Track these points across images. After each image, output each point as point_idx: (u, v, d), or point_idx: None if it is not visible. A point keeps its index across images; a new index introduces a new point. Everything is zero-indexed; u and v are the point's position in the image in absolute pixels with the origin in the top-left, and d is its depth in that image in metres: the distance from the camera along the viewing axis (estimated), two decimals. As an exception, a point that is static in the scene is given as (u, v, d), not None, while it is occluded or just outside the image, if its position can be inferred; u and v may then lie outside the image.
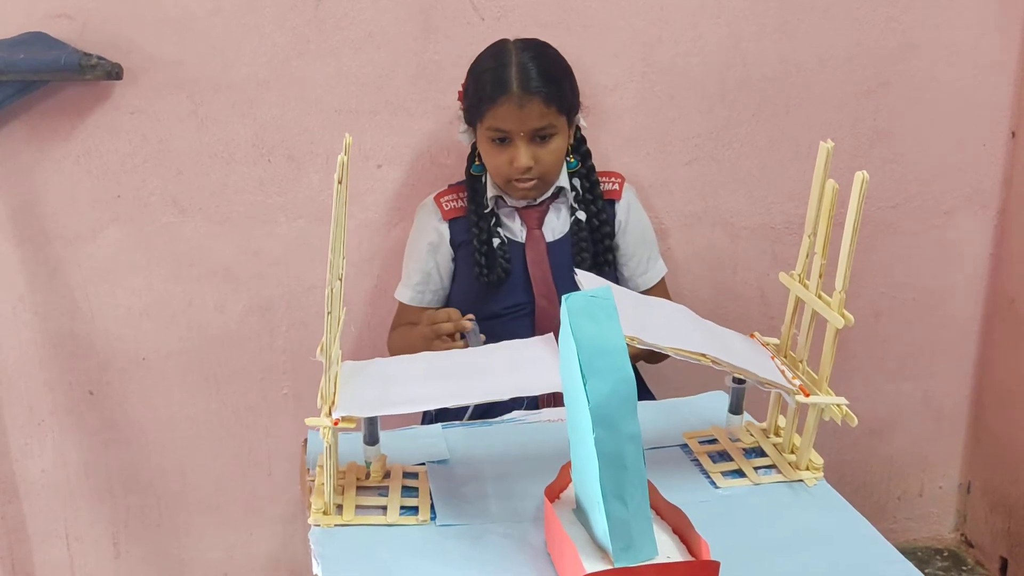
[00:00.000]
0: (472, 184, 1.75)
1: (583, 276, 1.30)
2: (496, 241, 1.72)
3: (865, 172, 1.16)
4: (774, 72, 2.00)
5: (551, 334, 1.29)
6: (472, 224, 1.73)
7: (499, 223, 1.75)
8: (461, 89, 1.73)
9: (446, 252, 1.78)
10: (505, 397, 1.18)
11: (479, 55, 1.71)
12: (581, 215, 1.73)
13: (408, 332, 1.73)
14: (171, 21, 1.80)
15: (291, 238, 1.95)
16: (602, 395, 1.00)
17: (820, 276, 1.27)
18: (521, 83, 1.61)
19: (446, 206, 1.77)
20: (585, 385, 1.00)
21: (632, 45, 1.94)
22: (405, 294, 1.82)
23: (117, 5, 1.77)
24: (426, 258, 1.78)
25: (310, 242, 1.96)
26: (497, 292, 1.73)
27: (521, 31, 1.83)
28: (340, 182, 1.08)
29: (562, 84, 1.66)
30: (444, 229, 1.77)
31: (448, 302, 1.82)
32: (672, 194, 2.04)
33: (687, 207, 2.06)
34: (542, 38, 1.73)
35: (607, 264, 1.75)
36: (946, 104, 2.08)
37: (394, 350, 1.79)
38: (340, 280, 1.14)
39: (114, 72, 1.76)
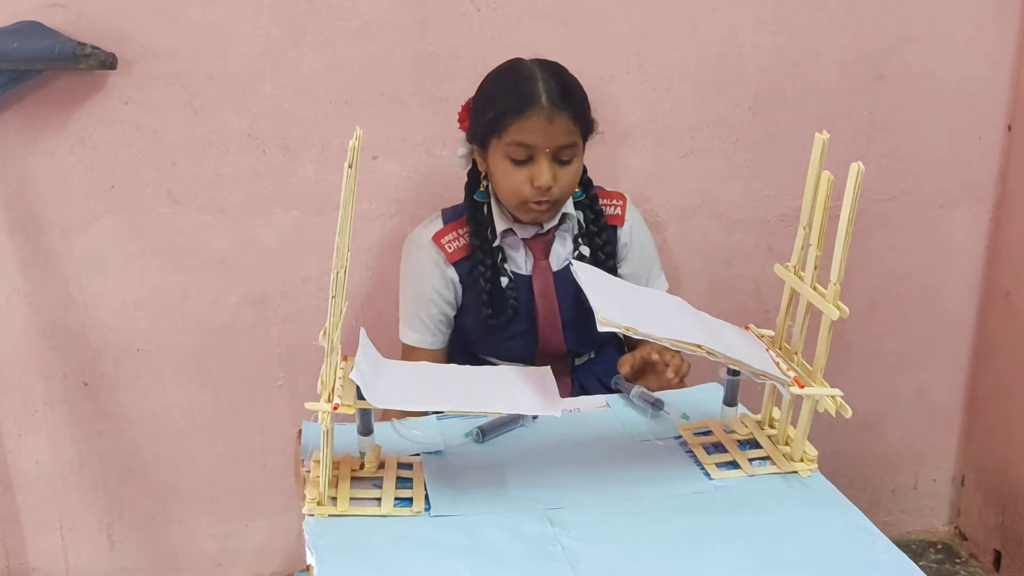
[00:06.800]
0: (474, 215, 1.65)
1: (578, 267, 1.30)
2: (504, 280, 1.63)
3: (860, 163, 1.16)
4: (770, 65, 1.99)
5: (548, 367, 1.36)
6: (478, 262, 1.63)
7: (504, 258, 1.65)
8: (462, 111, 1.65)
9: (455, 295, 1.69)
10: (501, 412, 1.30)
11: (492, 72, 1.62)
12: (585, 250, 1.66)
13: None
14: (165, 11, 1.79)
15: (286, 229, 1.95)
16: None
17: (815, 268, 1.27)
18: (550, 97, 1.53)
19: (449, 247, 1.65)
20: None
21: (628, 37, 1.93)
22: (424, 339, 1.70)
23: (111, -6, 1.77)
24: (438, 303, 1.68)
25: (305, 233, 1.95)
26: (501, 326, 1.66)
27: (517, 23, 1.83)
28: (351, 166, 1.08)
29: (585, 104, 1.60)
30: (451, 274, 1.66)
31: (454, 333, 1.75)
32: (668, 187, 2.04)
33: (683, 200, 2.06)
34: (538, 30, 1.72)
35: None
36: (942, 97, 2.08)
37: None
38: (346, 265, 1.14)
39: (108, 62, 1.75)
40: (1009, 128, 2.12)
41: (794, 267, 1.34)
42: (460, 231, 1.66)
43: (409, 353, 1.71)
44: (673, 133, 2.00)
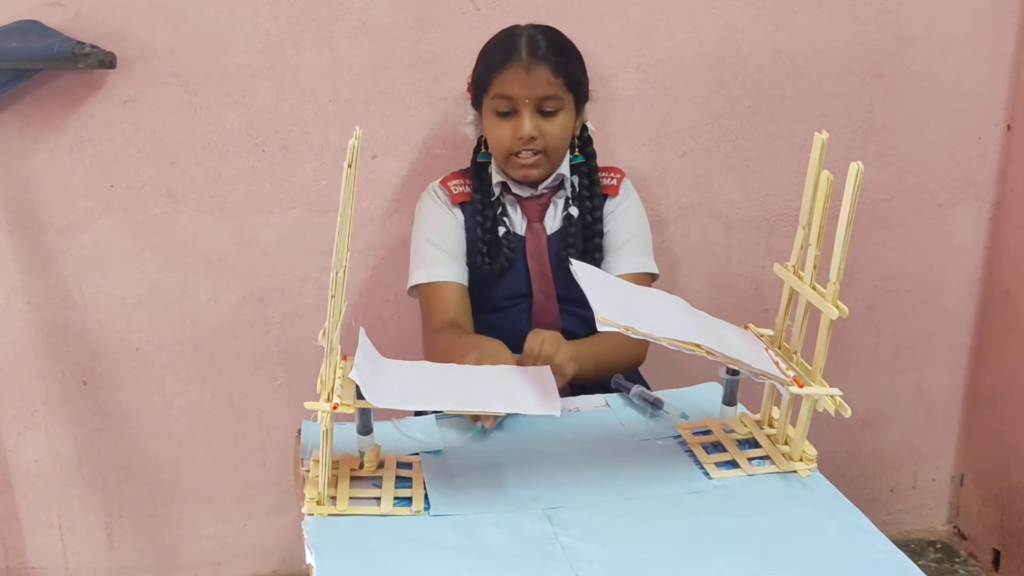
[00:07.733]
0: (478, 173, 1.72)
1: (578, 266, 1.30)
2: (501, 230, 1.69)
3: (859, 163, 1.16)
4: (769, 63, 1.99)
5: (547, 368, 1.38)
6: (477, 212, 1.70)
7: (504, 211, 1.71)
8: (470, 80, 1.70)
9: (459, 232, 1.71)
10: (500, 411, 1.31)
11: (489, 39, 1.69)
12: (574, 211, 1.70)
13: (485, 350, 1.47)
14: (164, 10, 1.79)
15: (285, 228, 1.95)
16: None
17: (815, 267, 1.27)
18: (530, 50, 1.60)
19: (454, 189, 1.72)
20: None
21: (627, 36, 1.93)
22: (453, 271, 1.68)
23: (110, -7, 1.77)
24: (441, 235, 1.70)
25: (304, 232, 1.95)
26: (496, 283, 1.71)
27: (516, 21, 1.83)
28: (350, 166, 1.08)
29: (571, 59, 1.65)
30: (458, 213, 1.72)
31: None
32: (667, 186, 2.04)
33: (682, 199, 2.06)
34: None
35: (594, 262, 1.71)
36: (941, 96, 2.08)
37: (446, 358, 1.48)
38: (345, 265, 1.14)
39: (107, 61, 1.75)
40: (1008, 127, 2.12)
41: (793, 266, 1.34)
42: (466, 180, 1.74)
43: (426, 297, 1.67)
44: (672, 131, 2.01)
